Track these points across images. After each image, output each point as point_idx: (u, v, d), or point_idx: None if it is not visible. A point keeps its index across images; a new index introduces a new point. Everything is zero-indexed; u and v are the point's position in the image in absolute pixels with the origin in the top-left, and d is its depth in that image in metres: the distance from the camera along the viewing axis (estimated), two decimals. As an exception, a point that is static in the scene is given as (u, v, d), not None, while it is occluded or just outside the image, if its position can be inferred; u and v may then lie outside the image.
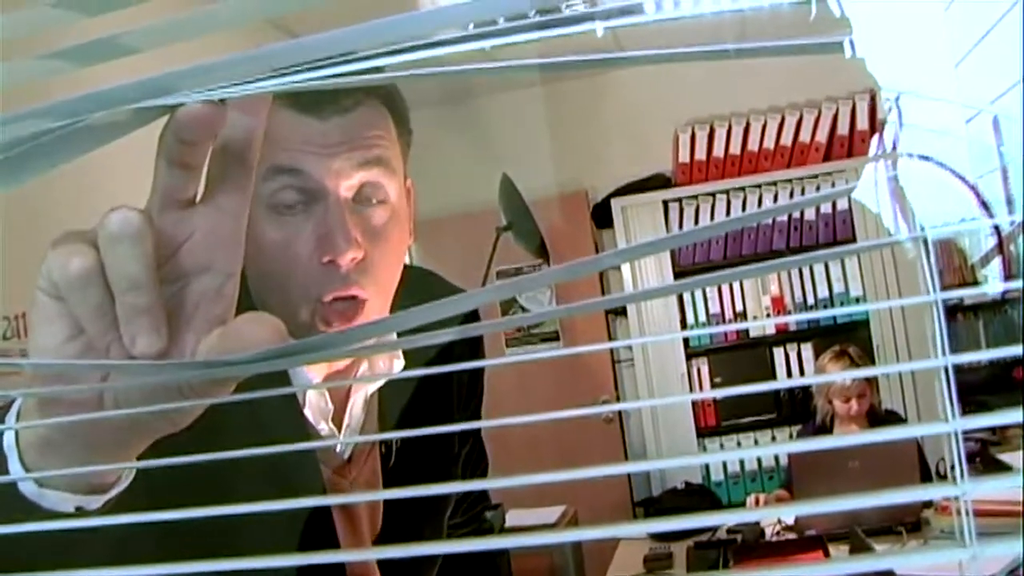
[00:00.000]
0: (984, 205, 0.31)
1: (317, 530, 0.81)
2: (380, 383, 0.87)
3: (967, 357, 0.30)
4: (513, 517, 3.21)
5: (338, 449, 0.85)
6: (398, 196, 0.79)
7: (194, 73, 0.33)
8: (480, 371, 1.04)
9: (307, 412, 0.80)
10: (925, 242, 0.30)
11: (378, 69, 0.34)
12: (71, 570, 0.36)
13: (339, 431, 0.84)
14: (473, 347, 1.00)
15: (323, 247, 0.74)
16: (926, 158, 0.32)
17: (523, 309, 4.23)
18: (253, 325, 0.40)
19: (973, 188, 0.32)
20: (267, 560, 0.33)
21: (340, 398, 0.85)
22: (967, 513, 0.30)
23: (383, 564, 0.87)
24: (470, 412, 1.04)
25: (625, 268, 4.15)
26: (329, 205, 0.74)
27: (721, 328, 2.89)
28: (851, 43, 0.31)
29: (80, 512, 0.46)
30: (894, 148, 0.32)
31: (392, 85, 0.81)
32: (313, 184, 0.74)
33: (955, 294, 0.30)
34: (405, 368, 0.87)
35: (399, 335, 0.68)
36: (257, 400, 0.38)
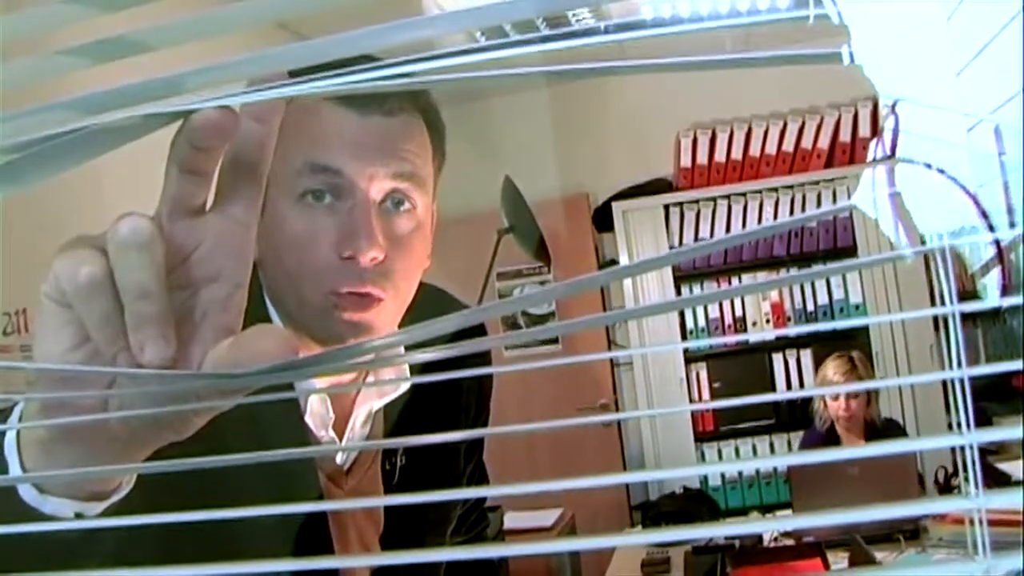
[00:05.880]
0: (983, 214, 0.31)
1: (312, 539, 0.81)
2: (386, 400, 0.87)
3: (982, 370, 0.30)
4: (511, 519, 3.21)
5: (338, 460, 0.85)
6: (424, 210, 0.80)
7: (202, 73, 0.33)
8: (487, 394, 1.04)
9: (308, 420, 0.80)
10: (940, 252, 0.30)
11: (408, 75, 0.34)
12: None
13: (340, 442, 0.84)
14: (482, 363, 1.00)
15: (345, 243, 0.74)
16: (925, 164, 0.32)
17: (524, 313, 4.24)
18: (262, 337, 0.40)
19: (973, 197, 0.32)
20: (263, 565, 0.33)
21: (343, 410, 0.85)
22: (982, 524, 0.30)
23: None
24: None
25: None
26: (357, 203, 0.75)
27: (721, 339, 2.91)
28: (849, 53, 0.32)
29: (80, 518, 0.46)
30: (893, 154, 0.32)
31: (434, 106, 0.82)
32: (345, 182, 0.75)
33: (971, 307, 0.30)
34: (410, 389, 0.87)
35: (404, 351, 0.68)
36: (259, 411, 0.38)
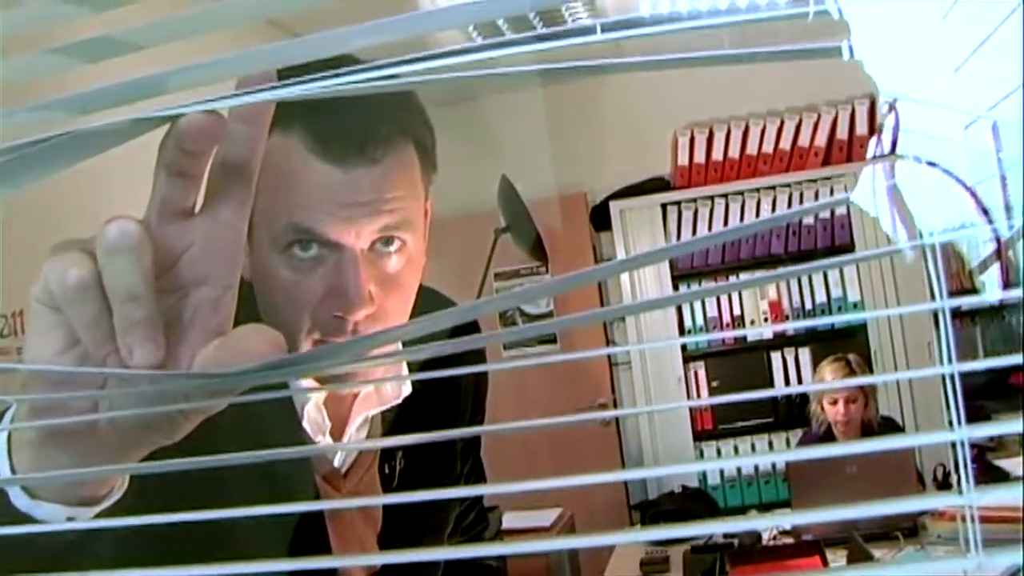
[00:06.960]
0: (983, 210, 0.31)
1: (311, 546, 0.80)
2: (383, 408, 0.86)
3: (973, 365, 0.30)
4: (509, 519, 3.21)
5: (336, 463, 0.85)
6: (416, 244, 0.77)
7: (192, 71, 0.33)
8: (483, 395, 1.04)
9: (305, 426, 0.80)
10: (932, 248, 0.30)
11: (405, 75, 0.33)
12: None
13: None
14: (477, 361, 1.00)
15: (335, 301, 0.72)
16: (926, 161, 0.32)
17: (521, 311, 4.23)
18: (251, 336, 0.40)
19: (972, 192, 0.32)
20: (261, 566, 0.33)
21: (340, 416, 0.84)
22: (972, 520, 0.30)
23: None
24: (473, 437, 1.04)
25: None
26: (344, 258, 0.72)
27: (719, 335, 2.91)
28: (849, 48, 0.31)
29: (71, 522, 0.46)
30: (892, 151, 0.32)
31: (421, 111, 0.79)
32: (331, 241, 0.72)
33: (961, 301, 0.30)
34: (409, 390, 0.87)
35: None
36: (255, 416, 0.38)
